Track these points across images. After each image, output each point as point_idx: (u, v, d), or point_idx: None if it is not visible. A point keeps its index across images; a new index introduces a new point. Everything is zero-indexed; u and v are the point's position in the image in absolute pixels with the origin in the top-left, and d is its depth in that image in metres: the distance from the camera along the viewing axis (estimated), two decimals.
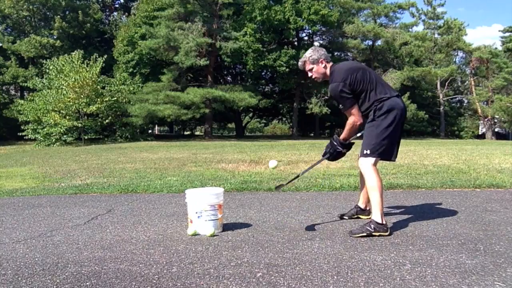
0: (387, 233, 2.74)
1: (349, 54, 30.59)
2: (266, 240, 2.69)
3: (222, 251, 2.48)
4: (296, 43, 28.99)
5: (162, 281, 2.03)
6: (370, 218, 2.90)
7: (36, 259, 2.40)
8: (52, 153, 13.38)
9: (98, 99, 20.53)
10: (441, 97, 35.37)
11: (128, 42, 26.21)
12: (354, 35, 28.03)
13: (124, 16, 35.58)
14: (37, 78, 23.77)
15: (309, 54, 3.00)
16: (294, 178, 3.41)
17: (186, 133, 46.28)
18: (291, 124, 37.12)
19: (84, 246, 2.64)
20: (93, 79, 20.40)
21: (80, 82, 19.55)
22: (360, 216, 3.24)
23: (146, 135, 25.27)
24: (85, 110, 20.19)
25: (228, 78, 33.93)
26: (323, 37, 30.12)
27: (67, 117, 19.99)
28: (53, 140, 20.04)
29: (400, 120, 2.85)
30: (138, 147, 15.26)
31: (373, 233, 2.71)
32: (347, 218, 3.26)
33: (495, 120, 35.21)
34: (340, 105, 2.88)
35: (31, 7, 30.52)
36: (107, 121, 21.46)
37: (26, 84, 23.85)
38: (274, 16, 24.26)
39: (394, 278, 2.00)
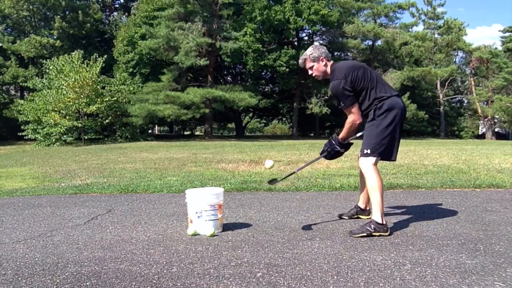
0: (387, 233, 2.73)
1: (349, 54, 30.60)
2: (266, 240, 2.69)
3: (222, 251, 2.48)
4: (296, 43, 29.00)
5: (162, 281, 2.03)
6: (370, 218, 2.90)
7: (36, 259, 2.40)
8: (52, 153, 13.38)
9: (98, 99, 20.53)
10: (441, 97, 35.37)
11: (128, 42, 26.22)
12: (354, 35, 28.04)
13: (124, 16, 35.60)
14: (37, 78, 23.78)
15: (309, 52, 3.00)
16: (289, 175, 3.40)
17: (186, 133, 46.30)
18: (291, 124, 37.13)
19: (84, 246, 2.64)
20: (93, 79, 20.40)
21: (80, 82, 19.56)
22: (360, 216, 3.24)
23: (146, 135, 25.28)
24: (85, 110, 20.19)
25: (228, 78, 33.94)
26: (323, 37, 30.13)
27: (67, 117, 20.00)
28: (53, 140, 20.04)
29: (400, 119, 2.85)
30: (138, 147, 15.26)
31: (373, 233, 2.71)
32: (346, 218, 3.26)
33: (495, 120, 35.21)
34: (341, 103, 2.87)
35: (31, 7, 30.53)
36: (107, 121, 21.46)
37: (26, 84, 23.85)
38: (274, 16, 24.27)
39: (394, 278, 2.00)
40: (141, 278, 2.07)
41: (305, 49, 3.10)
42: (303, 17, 24.88)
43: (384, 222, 2.75)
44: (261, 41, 24.50)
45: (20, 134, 21.98)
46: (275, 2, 25.51)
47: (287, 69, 24.74)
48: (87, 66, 20.82)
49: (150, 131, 31.87)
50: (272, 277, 2.04)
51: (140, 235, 2.88)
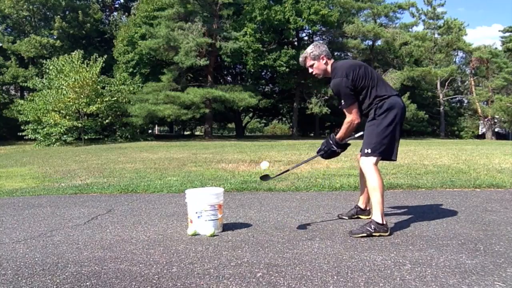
0: (387, 234, 2.73)
1: (349, 54, 30.61)
2: (266, 240, 2.69)
3: (222, 251, 2.48)
4: (296, 43, 29.01)
5: (162, 281, 2.03)
6: (370, 218, 2.90)
7: (36, 259, 2.40)
8: (52, 153, 13.38)
9: (98, 99, 20.54)
10: (441, 97, 35.37)
11: (128, 42, 26.23)
12: (354, 35, 28.04)
13: (124, 16, 35.61)
14: (37, 78, 23.78)
15: (310, 50, 2.99)
16: (284, 172, 3.39)
17: (186, 133, 46.32)
18: (291, 124, 37.13)
19: (84, 246, 2.64)
20: (93, 79, 20.41)
21: (80, 82, 19.56)
22: (360, 216, 3.24)
23: (146, 135, 25.28)
24: (85, 110, 20.20)
25: (228, 78, 33.94)
26: (323, 37, 30.13)
27: (67, 117, 20.00)
28: (53, 140, 20.04)
29: (401, 119, 2.85)
30: (138, 147, 15.27)
31: (373, 234, 2.70)
32: (346, 218, 3.25)
33: (495, 120, 35.22)
34: (342, 101, 2.85)
35: (31, 7, 30.53)
36: (107, 121, 21.47)
37: (26, 84, 23.86)
38: (274, 16, 24.27)
39: (394, 278, 2.00)
40: (141, 278, 2.07)
41: (305, 49, 3.09)
42: (303, 17, 24.88)
43: (384, 222, 2.75)
44: (261, 41, 24.51)
45: (20, 134, 21.98)
46: (275, 2, 25.51)
47: (287, 69, 24.75)
48: (87, 66, 20.82)
49: (150, 131, 31.88)
50: (272, 277, 2.04)
51: (140, 235, 2.88)
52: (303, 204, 3.92)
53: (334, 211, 3.55)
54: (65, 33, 30.64)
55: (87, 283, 2.01)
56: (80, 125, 20.20)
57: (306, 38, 30.66)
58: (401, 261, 2.24)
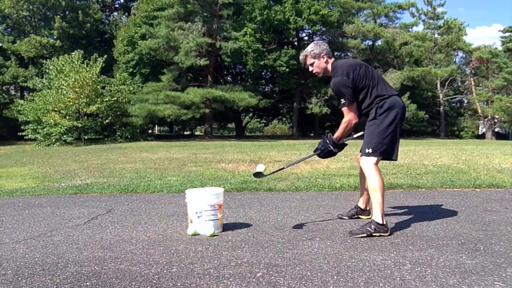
0: (387, 234, 2.73)
1: (349, 54, 30.60)
2: (266, 240, 2.69)
3: (222, 251, 2.48)
4: (296, 43, 29.00)
5: (162, 281, 2.03)
6: (370, 218, 2.90)
7: (36, 259, 2.40)
8: (52, 153, 13.38)
9: (98, 99, 20.54)
10: (441, 97, 35.37)
11: (128, 42, 26.23)
12: (354, 35, 28.04)
13: (124, 16, 35.61)
14: (37, 78, 23.78)
15: (310, 48, 2.99)
16: (279, 169, 3.36)
17: (186, 133, 46.33)
18: (291, 124, 37.12)
19: (84, 246, 2.64)
20: (93, 79, 20.40)
21: (80, 82, 19.56)
22: (360, 216, 3.24)
23: (146, 135, 25.28)
24: (85, 110, 20.20)
25: (228, 78, 33.94)
26: (323, 37, 30.13)
27: (67, 117, 20.00)
28: (53, 140, 20.04)
29: (401, 119, 2.85)
30: (138, 147, 15.26)
31: (373, 234, 2.70)
32: (346, 218, 3.25)
33: (495, 120, 35.21)
34: (342, 100, 2.84)
35: (31, 7, 30.53)
36: (107, 121, 21.47)
37: (26, 84, 23.86)
38: (274, 16, 24.27)
39: (394, 278, 2.00)
40: (141, 278, 2.07)
41: (306, 49, 3.09)
42: (303, 17, 24.88)
43: (385, 223, 2.74)
44: (261, 41, 24.50)
45: (20, 134, 21.97)
46: (275, 2, 25.51)
47: (287, 69, 24.75)
48: (87, 66, 20.82)
49: (150, 131, 31.88)
50: (272, 277, 2.04)
51: (140, 235, 2.88)
52: (303, 204, 3.92)
53: (334, 211, 3.55)
54: (65, 33, 30.64)
55: (87, 283, 2.01)
56: (80, 125, 20.19)
57: (306, 38, 30.67)
58: (401, 261, 2.24)
